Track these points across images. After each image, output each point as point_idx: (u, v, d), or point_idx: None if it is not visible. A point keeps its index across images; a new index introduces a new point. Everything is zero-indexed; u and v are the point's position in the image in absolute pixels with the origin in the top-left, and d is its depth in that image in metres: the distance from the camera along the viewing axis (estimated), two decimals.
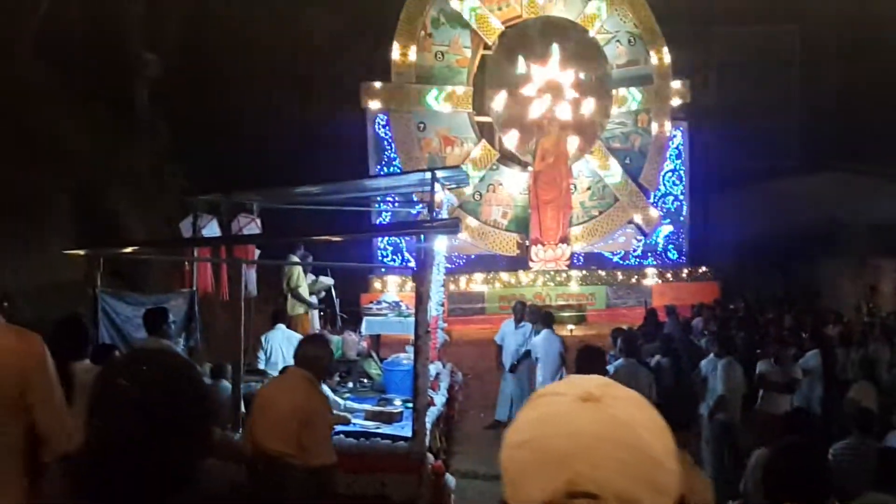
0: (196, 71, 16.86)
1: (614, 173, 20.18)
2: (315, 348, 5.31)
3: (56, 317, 5.53)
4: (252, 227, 10.45)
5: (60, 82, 13.42)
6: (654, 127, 20.64)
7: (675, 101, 20.85)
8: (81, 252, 8.84)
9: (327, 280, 12.12)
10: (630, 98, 20.31)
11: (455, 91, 18.95)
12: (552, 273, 19.13)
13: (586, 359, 5.67)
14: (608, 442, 1.03)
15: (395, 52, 18.62)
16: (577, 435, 1.04)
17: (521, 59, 19.17)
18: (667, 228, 21.09)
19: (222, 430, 6.77)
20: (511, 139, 19.15)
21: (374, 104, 18.74)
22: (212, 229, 9.80)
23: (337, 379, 9.19)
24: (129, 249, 9.17)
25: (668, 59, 20.47)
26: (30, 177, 11.81)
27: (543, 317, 10.74)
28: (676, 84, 20.71)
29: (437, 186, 8.72)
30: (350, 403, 8.23)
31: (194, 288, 9.46)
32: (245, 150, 16.55)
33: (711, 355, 9.34)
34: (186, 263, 9.69)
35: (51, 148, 12.37)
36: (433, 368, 8.27)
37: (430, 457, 6.74)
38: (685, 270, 20.46)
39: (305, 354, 5.23)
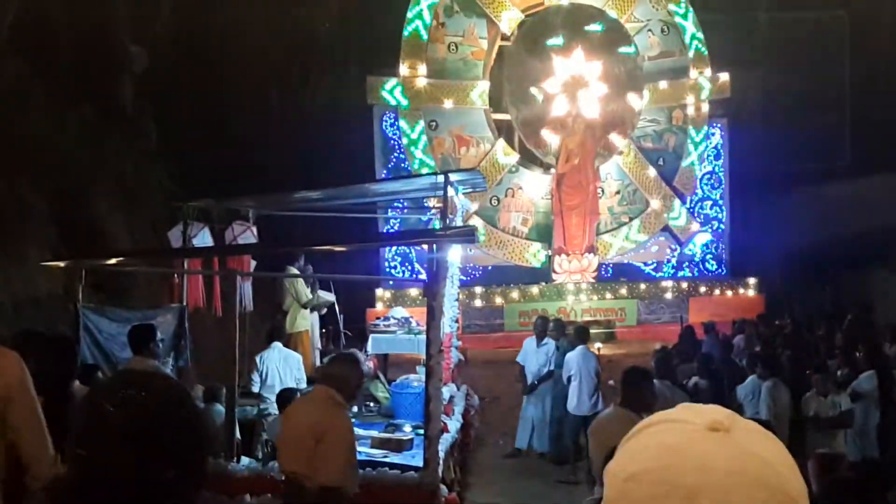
0: (186, 65, 16.95)
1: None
2: (343, 366, 5.37)
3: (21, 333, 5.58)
4: (247, 235, 10.49)
5: (37, 78, 13.52)
6: (691, 124, 20.62)
7: (713, 96, 20.79)
8: (61, 263, 8.89)
9: (328, 296, 12.16)
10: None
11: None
12: (578, 286, 19.10)
13: (634, 382, 5.65)
14: (743, 478, 1.01)
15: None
16: (708, 469, 1.01)
17: (542, 51, 19.20)
18: (704, 236, 21.00)
19: (216, 458, 6.78)
20: (550, 138, 19.14)
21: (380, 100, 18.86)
22: (203, 238, 9.84)
23: None
24: (113, 260, 9.21)
25: (705, 49, 20.46)
26: (4, 181, 11.89)
27: (578, 332, 10.74)
28: (715, 77, 20.66)
29: (451, 191, 8.74)
30: (355, 430, 8.22)
31: (184, 303, 9.50)
32: (240, 152, 16.62)
33: (751, 378, 9.28)
34: (175, 276, 9.74)
35: (27, 149, 12.45)
36: (446, 391, 8.27)
37: (444, 488, 6.73)
38: (725, 283, 20.36)
39: (332, 372, 5.33)
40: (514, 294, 18.86)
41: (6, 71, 13.20)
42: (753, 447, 1.04)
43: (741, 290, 20.20)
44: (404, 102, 18.90)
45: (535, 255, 19.53)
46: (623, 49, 19.73)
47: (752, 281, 20.33)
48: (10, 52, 13.44)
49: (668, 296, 19.74)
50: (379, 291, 18.08)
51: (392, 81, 18.84)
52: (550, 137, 19.24)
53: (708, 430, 1.05)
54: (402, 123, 18.98)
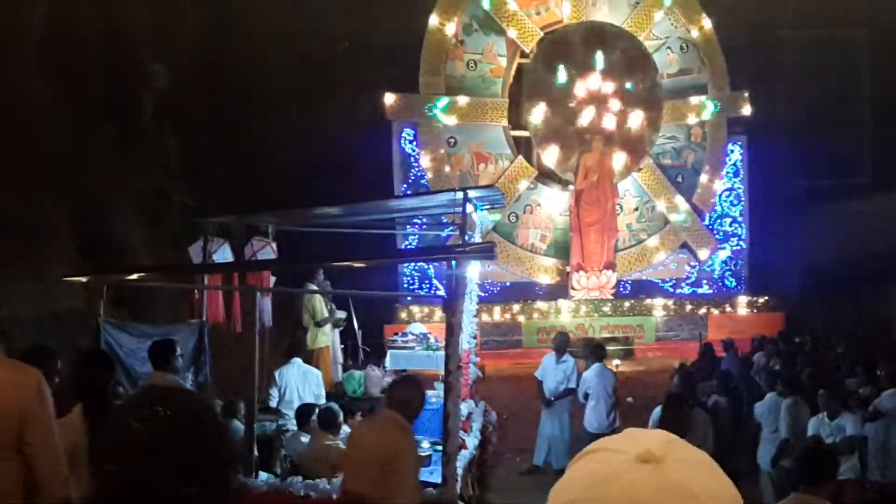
0: (207, 83, 17.08)
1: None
2: (406, 390, 5.58)
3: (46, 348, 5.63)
4: (267, 251, 10.52)
5: (61, 96, 13.66)
6: (709, 141, 20.59)
7: (732, 113, 20.76)
8: (83, 278, 8.95)
9: (339, 313, 12.21)
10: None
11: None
12: (596, 302, 19.04)
13: (674, 407, 5.64)
14: None
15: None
16: (632, 501, 1.00)
17: (561, 69, 19.19)
18: (723, 253, 20.93)
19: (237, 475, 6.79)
20: (550, 156, 19.13)
21: (398, 117, 18.92)
22: (223, 254, 9.89)
23: (359, 418, 9.20)
24: (134, 276, 9.26)
25: (724, 65, 20.44)
26: (27, 197, 12.00)
27: (594, 349, 10.68)
28: (733, 94, 20.62)
29: (470, 207, 8.75)
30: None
31: (204, 318, 9.53)
32: (259, 168, 16.71)
33: (769, 395, 9.21)
34: (196, 291, 9.78)
35: (49, 166, 12.57)
36: (465, 407, 8.24)
37: None
38: (744, 300, 20.24)
39: (396, 396, 5.54)
40: (533, 310, 18.81)
41: (30, 88, 13.35)
42: (684, 480, 1.02)
43: (760, 308, 20.07)
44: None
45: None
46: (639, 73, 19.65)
47: (771, 298, 20.20)
48: (34, 71, 13.59)
49: (687, 313, 19.65)
50: (398, 307, 18.09)
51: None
52: (550, 156, 19.22)
53: (638, 460, 1.03)
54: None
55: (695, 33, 20.32)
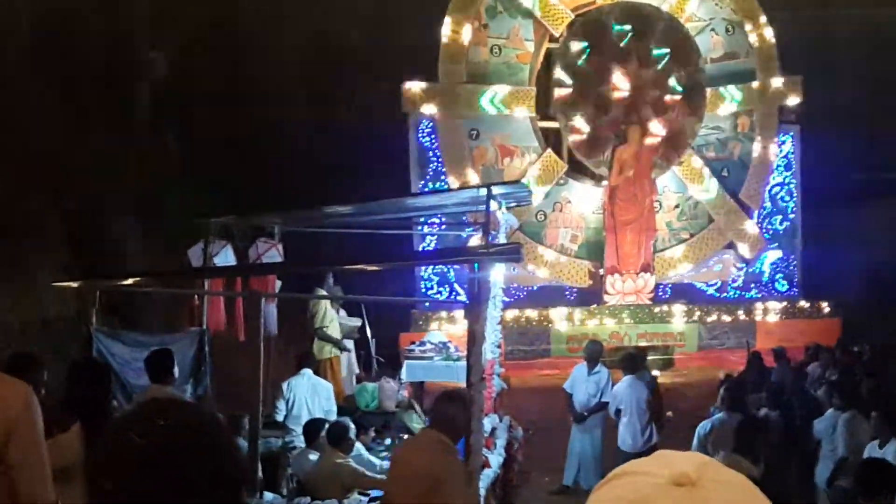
0: (208, 75, 17.18)
1: (709, 189, 20.02)
2: (449, 408, 5.58)
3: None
4: (272, 254, 10.57)
5: (53, 90, 13.79)
6: (758, 131, 20.46)
7: (784, 101, 20.63)
8: (74, 284, 9.01)
9: (352, 321, 12.21)
10: (728, 98, 20.17)
11: (515, 93, 19.03)
12: (632, 308, 18.97)
13: (748, 433, 5.67)
14: None
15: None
16: None
17: (594, 54, 19.13)
18: (774, 254, 20.80)
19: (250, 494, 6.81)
20: (581, 146, 19.07)
21: (416, 108, 18.95)
22: (225, 257, 9.93)
23: (373, 434, 9.22)
24: (129, 281, 9.31)
25: (774, 49, 20.30)
26: (16, 196, 12.11)
27: (625, 359, 10.60)
28: (785, 80, 20.48)
29: (494, 205, 8.74)
30: (388, 464, 8.22)
31: (204, 326, 9.57)
32: (265, 165, 16.79)
33: (830, 411, 9.12)
34: (196, 297, 9.82)
35: (40, 164, 12.68)
36: (488, 422, 8.23)
37: None
38: (797, 305, 20.12)
39: (439, 415, 5.58)
40: (562, 317, 18.76)
41: (25, 88, 13.48)
42: (719, 502, 1.04)
43: (815, 314, 19.93)
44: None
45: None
46: (657, 52, 19.51)
47: (827, 303, 20.05)
48: (25, 64, 13.72)
49: (733, 319, 19.54)
50: (415, 314, 18.10)
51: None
52: (602, 147, 19.17)
53: (672, 483, 1.05)
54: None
55: (741, 15, 20.20)
